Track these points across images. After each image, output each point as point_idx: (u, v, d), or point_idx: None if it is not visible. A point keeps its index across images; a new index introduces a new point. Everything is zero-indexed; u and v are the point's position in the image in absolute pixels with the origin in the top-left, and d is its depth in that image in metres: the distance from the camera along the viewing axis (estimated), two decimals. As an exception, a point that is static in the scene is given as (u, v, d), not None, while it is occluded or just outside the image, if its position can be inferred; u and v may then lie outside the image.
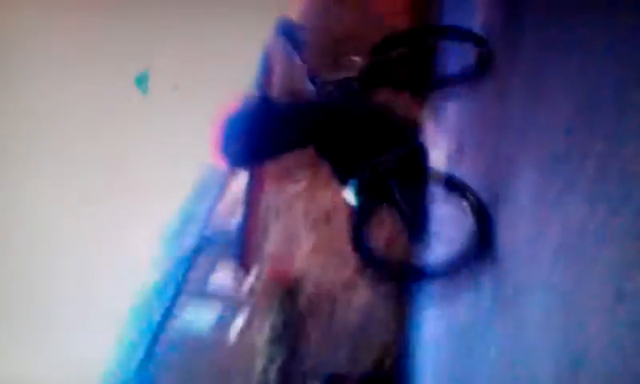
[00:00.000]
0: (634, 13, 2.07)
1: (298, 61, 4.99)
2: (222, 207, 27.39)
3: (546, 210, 2.80)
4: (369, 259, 4.76)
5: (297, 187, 9.90)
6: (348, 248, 9.99)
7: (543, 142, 3.02)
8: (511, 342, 3.31)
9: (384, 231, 7.67)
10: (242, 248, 10.46)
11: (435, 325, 6.67)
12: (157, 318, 22.05)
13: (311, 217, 10.00)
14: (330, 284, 10.00)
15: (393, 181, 4.63)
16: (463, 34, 5.47)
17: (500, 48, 4.64)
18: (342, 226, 9.93)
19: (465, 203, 4.58)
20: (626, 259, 1.86)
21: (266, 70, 10.14)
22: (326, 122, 4.87)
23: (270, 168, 10.08)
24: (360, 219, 4.82)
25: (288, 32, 5.02)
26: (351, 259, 9.99)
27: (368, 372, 9.53)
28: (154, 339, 21.31)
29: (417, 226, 4.63)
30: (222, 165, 4.87)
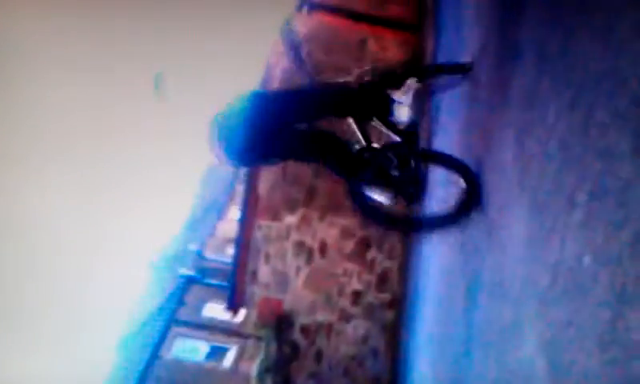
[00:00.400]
0: (633, 32, 2.12)
1: (298, 67, 4.94)
2: (214, 242, 27.40)
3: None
4: (369, 212, 4.49)
5: (291, 219, 9.92)
6: (341, 279, 10.07)
7: (534, 180, 3.06)
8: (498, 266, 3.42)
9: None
10: (233, 291, 10.43)
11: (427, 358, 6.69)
12: (149, 347, 22.07)
13: (304, 249, 10.01)
14: (323, 315, 9.99)
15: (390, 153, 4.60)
16: (452, 68, 5.59)
17: (494, 64, 4.70)
18: (335, 259, 9.97)
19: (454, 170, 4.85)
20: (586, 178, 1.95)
21: (269, 78, 10.16)
22: (321, 102, 4.77)
23: (263, 204, 10.11)
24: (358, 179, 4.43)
25: (290, 39, 4.94)
26: (345, 289, 10.04)
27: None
28: (147, 368, 21.30)
29: (412, 193, 4.55)
30: (223, 163, 4.73)
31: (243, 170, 11.35)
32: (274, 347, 10.11)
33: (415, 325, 7.94)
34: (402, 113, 4.56)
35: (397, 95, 4.54)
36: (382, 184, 4.50)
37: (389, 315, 9.91)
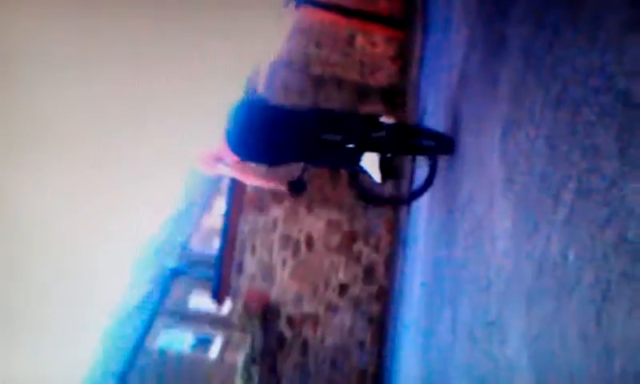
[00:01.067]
0: (620, 29, 2.14)
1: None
2: (200, 234, 27.34)
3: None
4: (364, 194, 6.26)
5: (278, 212, 9.93)
6: (327, 271, 10.09)
7: (520, 176, 3.08)
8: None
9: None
10: (218, 282, 10.45)
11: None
12: (134, 337, 22.00)
13: (291, 242, 10.02)
14: (309, 307, 10.01)
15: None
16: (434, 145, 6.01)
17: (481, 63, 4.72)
18: (322, 252, 9.99)
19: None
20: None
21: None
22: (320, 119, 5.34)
23: (249, 197, 10.12)
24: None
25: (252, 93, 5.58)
26: (332, 282, 10.06)
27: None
28: (132, 358, 21.24)
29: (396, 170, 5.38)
30: (230, 156, 5.03)
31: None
32: (260, 338, 10.12)
33: (401, 317, 7.97)
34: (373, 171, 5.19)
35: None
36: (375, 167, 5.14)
37: (375, 307, 9.95)
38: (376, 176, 5.17)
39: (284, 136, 5.28)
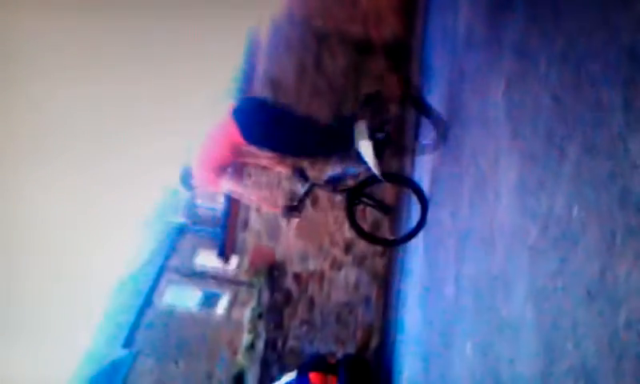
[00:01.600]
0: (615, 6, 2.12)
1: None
2: (205, 192, 27.33)
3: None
4: (360, 232, 6.76)
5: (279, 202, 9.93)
6: (332, 228, 10.12)
7: (526, 130, 3.07)
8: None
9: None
10: (224, 239, 10.51)
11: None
12: (141, 294, 22.16)
13: (296, 198, 10.02)
14: (315, 263, 10.06)
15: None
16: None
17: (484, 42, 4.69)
18: (326, 208, 10.00)
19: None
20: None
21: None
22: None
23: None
24: (351, 204, 6.31)
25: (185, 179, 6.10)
26: (337, 239, 10.10)
27: (351, 354, 9.62)
28: (139, 315, 21.43)
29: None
30: (241, 142, 5.60)
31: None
32: (266, 294, 10.19)
33: (406, 272, 8.01)
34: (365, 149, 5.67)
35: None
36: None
37: (380, 263, 9.99)
38: (372, 163, 5.68)
39: (285, 131, 5.76)
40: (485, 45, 4.51)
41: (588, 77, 2.30)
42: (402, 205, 8.89)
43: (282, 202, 6.11)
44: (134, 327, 21.29)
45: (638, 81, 1.91)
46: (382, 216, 8.91)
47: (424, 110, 6.37)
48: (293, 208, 6.14)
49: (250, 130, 5.64)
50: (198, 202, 25.83)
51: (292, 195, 6.04)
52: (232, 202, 10.37)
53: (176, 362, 20.49)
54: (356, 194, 6.31)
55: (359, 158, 5.79)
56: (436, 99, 6.32)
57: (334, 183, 6.32)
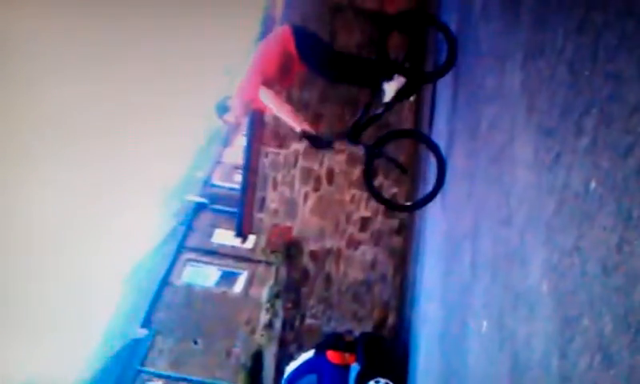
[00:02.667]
0: None
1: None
2: (221, 171, 27.39)
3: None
4: (379, 198, 7.22)
5: (298, 146, 9.89)
6: (349, 206, 10.10)
7: (542, 104, 3.03)
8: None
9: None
10: (241, 218, 10.55)
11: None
12: (160, 274, 22.31)
13: (312, 176, 10.02)
14: (332, 241, 10.06)
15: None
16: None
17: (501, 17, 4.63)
18: (342, 186, 9.99)
19: None
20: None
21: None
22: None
23: (269, 130, 10.10)
24: (369, 170, 6.59)
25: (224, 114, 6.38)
26: (353, 216, 10.08)
27: (368, 332, 9.64)
28: (157, 294, 21.58)
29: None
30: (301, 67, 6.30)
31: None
32: (283, 273, 10.22)
33: (423, 250, 7.99)
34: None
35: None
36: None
37: (396, 241, 9.99)
38: (389, 95, 6.03)
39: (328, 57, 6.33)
40: (501, 17, 4.46)
41: (605, 49, 2.25)
42: (418, 175, 8.85)
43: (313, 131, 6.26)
44: (152, 306, 21.45)
45: None
46: (400, 178, 9.31)
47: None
48: (322, 140, 6.43)
49: (303, 45, 6.09)
50: (215, 180, 25.90)
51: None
52: (249, 181, 10.38)
53: (195, 341, 20.65)
54: (376, 149, 6.42)
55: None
56: (451, 72, 6.26)
57: (355, 133, 6.38)
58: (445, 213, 6.24)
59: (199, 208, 24.83)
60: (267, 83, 6.02)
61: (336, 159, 9.89)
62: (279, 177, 10.10)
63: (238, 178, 14.29)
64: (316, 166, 9.98)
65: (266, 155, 10.11)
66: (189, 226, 24.16)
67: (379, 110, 6.23)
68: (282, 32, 6.26)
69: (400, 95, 6.11)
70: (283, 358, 9.72)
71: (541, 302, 2.66)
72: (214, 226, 24.14)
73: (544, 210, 2.75)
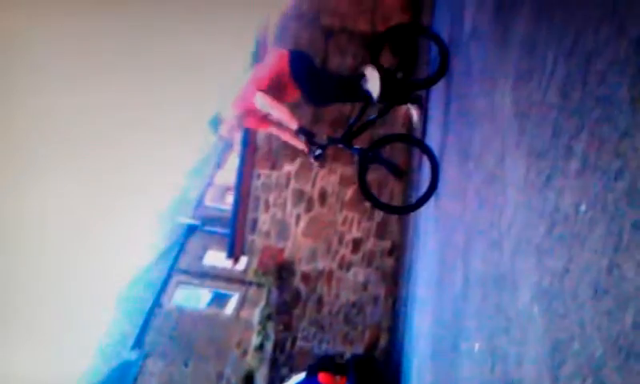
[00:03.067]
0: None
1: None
2: (213, 191, 27.40)
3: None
4: (375, 202, 7.13)
5: (290, 167, 9.90)
6: (341, 227, 10.10)
7: (532, 126, 3.05)
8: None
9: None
10: (233, 240, 10.54)
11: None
12: (150, 296, 22.20)
13: (304, 197, 10.02)
14: (324, 263, 10.04)
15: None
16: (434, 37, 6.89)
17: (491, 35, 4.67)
18: (335, 207, 9.99)
19: None
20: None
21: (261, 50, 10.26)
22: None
23: (261, 152, 10.12)
24: (363, 173, 6.49)
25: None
26: (345, 238, 10.08)
27: (360, 354, 9.61)
28: (148, 317, 21.46)
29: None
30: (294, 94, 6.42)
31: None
32: (275, 295, 10.19)
33: (415, 271, 7.99)
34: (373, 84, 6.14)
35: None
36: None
37: (388, 262, 9.98)
38: (375, 92, 6.10)
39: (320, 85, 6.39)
40: (492, 40, 4.49)
41: (595, 72, 2.27)
42: (411, 184, 8.87)
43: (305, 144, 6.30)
44: (143, 328, 21.32)
45: None
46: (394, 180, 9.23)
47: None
48: (317, 154, 6.39)
49: (298, 69, 6.21)
50: (207, 202, 25.86)
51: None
52: (241, 203, 10.38)
53: (185, 363, 20.51)
54: (370, 153, 6.46)
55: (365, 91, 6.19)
56: (442, 94, 6.30)
57: (350, 137, 6.52)
58: (436, 233, 6.24)
59: (191, 230, 24.77)
60: (262, 92, 6.13)
61: (329, 180, 9.91)
62: (271, 198, 10.10)
63: (230, 199, 14.28)
64: (308, 188, 10.00)
65: (258, 177, 10.12)
66: (180, 247, 24.08)
67: (372, 116, 6.40)
68: (279, 55, 6.35)
69: (393, 100, 6.35)
70: (274, 381, 9.68)
71: (532, 325, 2.66)
72: (206, 247, 24.06)
73: (535, 232, 2.75)
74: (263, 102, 6.09)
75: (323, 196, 9.94)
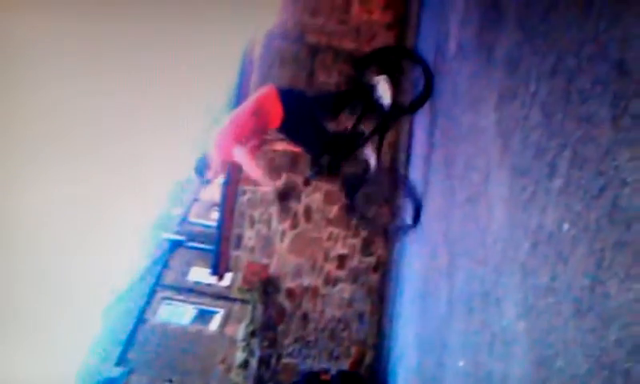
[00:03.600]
0: (607, 12, 2.13)
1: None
2: (198, 208, 27.33)
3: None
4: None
5: (276, 183, 9.91)
6: (326, 243, 10.11)
7: (516, 146, 3.08)
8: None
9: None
10: (218, 256, 10.52)
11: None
12: (134, 312, 22.09)
13: (289, 214, 10.03)
14: (309, 279, 10.04)
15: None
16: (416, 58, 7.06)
17: (476, 47, 4.71)
18: (320, 223, 10.00)
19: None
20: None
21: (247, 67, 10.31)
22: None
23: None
24: (350, 191, 6.82)
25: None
26: (330, 254, 10.08)
27: (345, 370, 9.59)
28: (132, 332, 21.33)
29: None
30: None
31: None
32: (260, 311, 10.16)
33: (400, 288, 8.00)
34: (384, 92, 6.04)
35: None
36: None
37: (374, 278, 9.97)
38: (386, 99, 5.99)
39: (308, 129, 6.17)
40: (476, 60, 4.53)
41: (578, 92, 2.30)
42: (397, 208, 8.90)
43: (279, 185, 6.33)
44: (127, 345, 21.21)
45: (626, 96, 1.91)
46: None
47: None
48: (286, 194, 6.42)
49: (290, 110, 5.96)
50: (191, 218, 25.83)
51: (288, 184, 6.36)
52: (225, 219, 10.37)
53: (170, 381, 20.41)
54: (355, 181, 6.67)
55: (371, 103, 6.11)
56: (428, 112, 6.35)
57: (334, 166, 6.40)
58: (421, 250, 6.27)
59: (175, 245, 24.71)
60: (242, 142, 6.03)
61: (313, 197, 9.92)
62: (256, 214, 10.10)
63: (215, 215, 14.29)
64: (293, 204, 10.01)
65: (244, 193, 10.12)
66: (165, 263, 24.02)
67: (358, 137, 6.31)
68: (266, 91, 6.18)
69: (376, 129, 6.27)
70: (259, 398, 9.65)
71: (516, 342, 2.68)
72: (190, 263, 24.02)
73: (519, 249, 2.78)
74: (241, 159, 6.03)
75: (309, 212, 9.94)
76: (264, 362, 9.93)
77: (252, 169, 6.14)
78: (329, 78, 9.96)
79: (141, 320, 21.91)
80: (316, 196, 9.89)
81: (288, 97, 6.06)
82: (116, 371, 20.31)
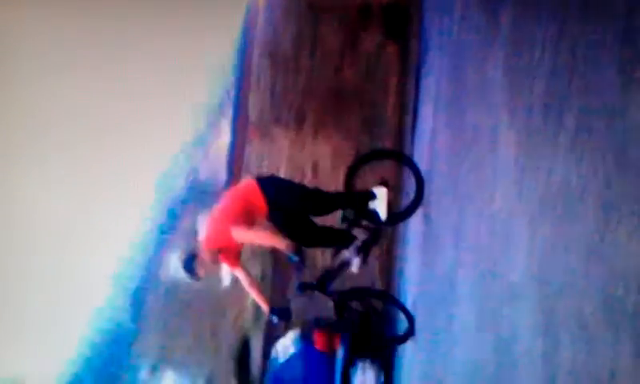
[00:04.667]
0: None
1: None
2: (207, 163, 27.17)
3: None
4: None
5: (283, 141, 9.93)
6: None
7: (523, 106, 3.09)
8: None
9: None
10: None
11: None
12: (146, 268, 22.06)
13: (298, 169, 10.02)
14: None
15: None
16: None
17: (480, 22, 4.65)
18: (328, 175, 10.02)
19: None
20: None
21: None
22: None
23: (253, 125, 10.14)
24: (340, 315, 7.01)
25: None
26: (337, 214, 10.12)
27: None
28: (144, 287, 21.37)
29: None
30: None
31: (232, 92, 11.29)
32: (269, 265, 10.23)
33: (407, 238, 8.10)
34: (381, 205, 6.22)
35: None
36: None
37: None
38: (382, 213, 6.16)
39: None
40: (481, 28, 4.50)
41: (583, 59, 2.33)
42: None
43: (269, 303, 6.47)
44: (138, 301, 21.26)
45: (634, 62, 1.90)
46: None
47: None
48: (282, 311, 6.60)
49: (273, 201, 5.98)
50: (201, 173, 25.66)
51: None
52: (233, 176, 10.35)
53: (182, 331, 20.52)
54: (346, 297, 6.76)
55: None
56: (436, 72, 6.27)
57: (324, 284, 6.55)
58: (430, 202, 6.28)
59: (185, 202, 24.59)
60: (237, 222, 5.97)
61: (321, 152, 9.90)
62: (264, 170, 10.09)
63: (223, 172, 14.27)
64: (301, 160, 9.99)
65: (252, 148, 10.11)
66: (175, 220, 23.94)
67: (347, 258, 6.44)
68: (247, 185, 6.26)
69: (366, 250, 6.40)
70: (270, 344, 9.75)
71: (525, 294, 2.75)
72: (201, 221, 23.84)
73: (528, 204, 2.84)
74: (242, 236, 5.98)
75: (316, 168, 9.95)
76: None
77: (257, 237, 6.44)
78: (332, 35, 9.90)
79: (152, 276, 21.92)
80: (324, 150, 9.84)
81: (270, 188, 6.11)
82: (129, 324, 20.35)
